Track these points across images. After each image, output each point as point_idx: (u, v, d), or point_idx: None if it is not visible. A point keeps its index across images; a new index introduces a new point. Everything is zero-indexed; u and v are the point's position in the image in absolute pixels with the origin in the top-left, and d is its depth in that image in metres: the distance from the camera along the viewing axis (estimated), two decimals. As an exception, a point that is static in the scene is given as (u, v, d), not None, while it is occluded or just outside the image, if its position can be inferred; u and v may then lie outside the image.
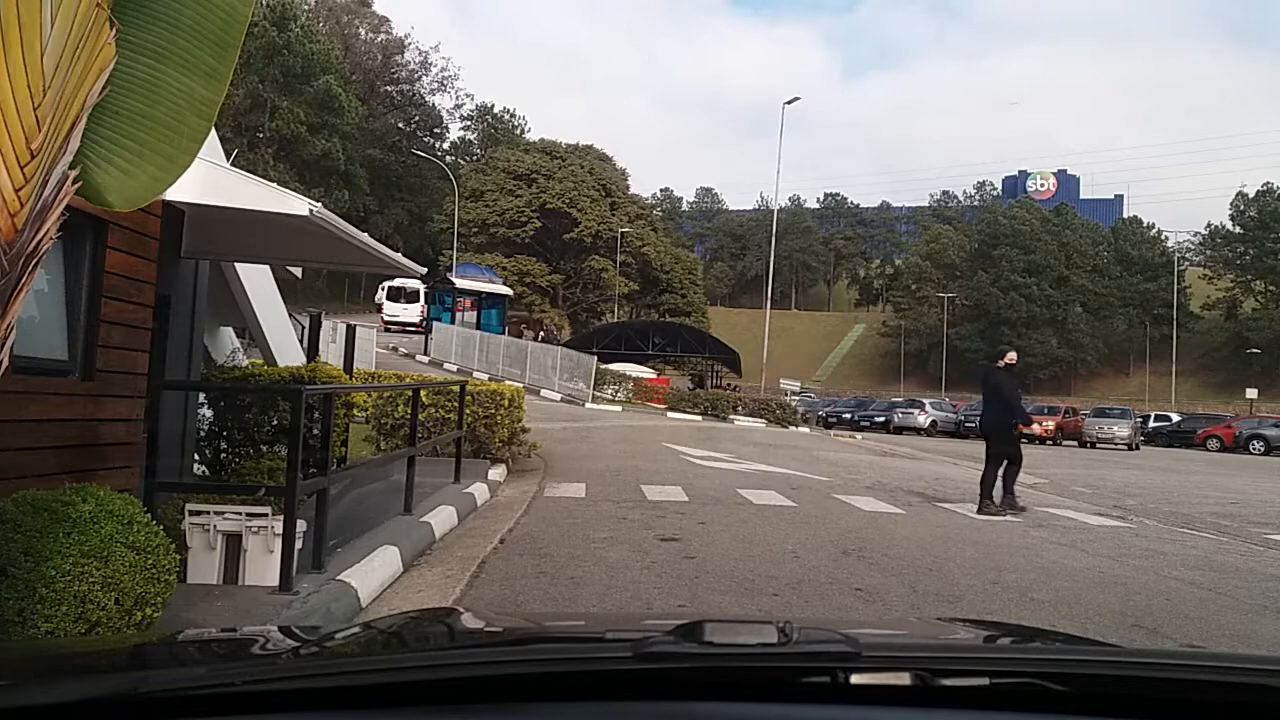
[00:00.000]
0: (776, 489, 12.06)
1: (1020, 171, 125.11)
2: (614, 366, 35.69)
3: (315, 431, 6.21)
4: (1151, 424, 41.87)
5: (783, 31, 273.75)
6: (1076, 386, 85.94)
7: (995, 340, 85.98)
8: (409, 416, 9.45)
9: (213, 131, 5.85)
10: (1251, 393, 58.80)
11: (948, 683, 1.14)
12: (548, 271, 64.65)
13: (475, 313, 45.65)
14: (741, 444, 19.89)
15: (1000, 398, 11.02)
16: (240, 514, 5.24)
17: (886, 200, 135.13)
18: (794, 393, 47.00)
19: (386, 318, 45.29)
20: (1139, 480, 18.16)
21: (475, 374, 29.65)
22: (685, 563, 7.03)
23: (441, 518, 8.09)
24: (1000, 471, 10.84)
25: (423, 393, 10.43)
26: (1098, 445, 33.06)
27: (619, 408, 30.26)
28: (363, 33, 77.63)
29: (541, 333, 46.09)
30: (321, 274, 53.03)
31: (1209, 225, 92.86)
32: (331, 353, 19.04)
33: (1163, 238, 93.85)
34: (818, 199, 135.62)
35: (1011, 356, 11.56)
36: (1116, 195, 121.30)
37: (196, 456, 7.87)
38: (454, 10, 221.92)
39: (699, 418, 29.82)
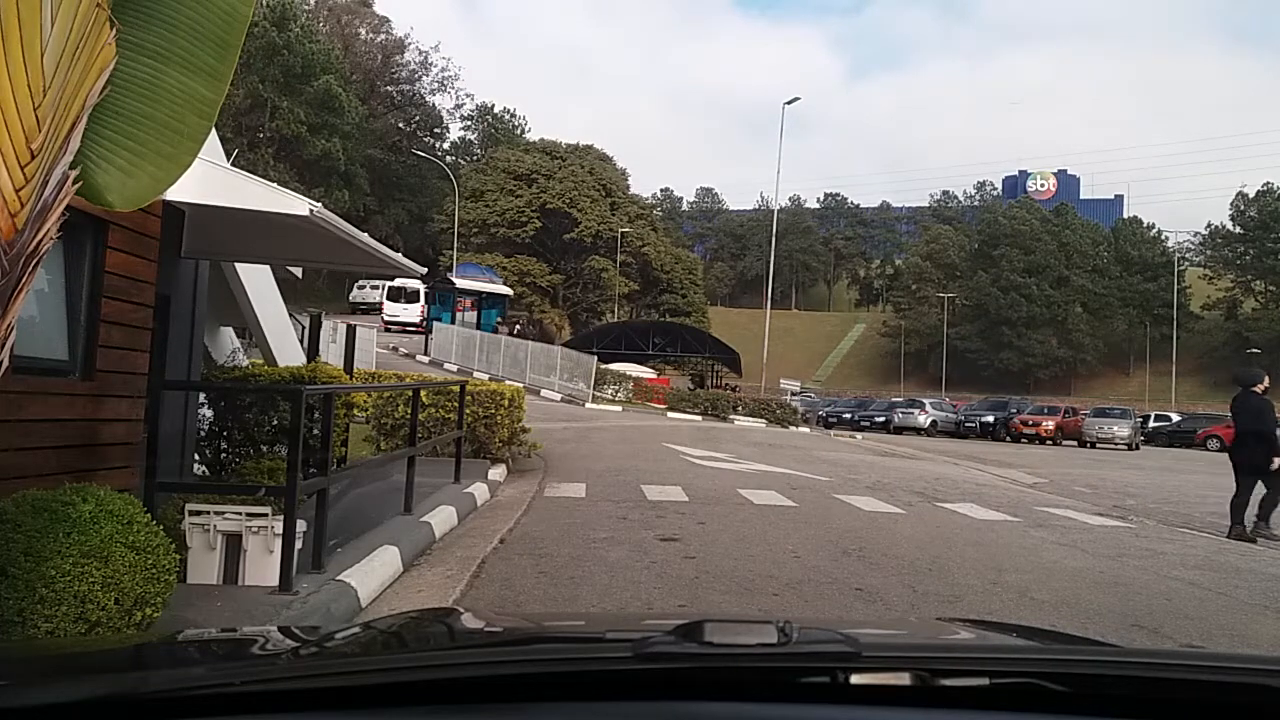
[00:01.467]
0: (776, 489, 12.06)
1: (1020, 171, 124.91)
2: (614, 366, 35.72)
3: (315, 431, 6.21)
4: (1151, 424, 41.85)
5: (784, 33, 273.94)
6: (1076, 386, 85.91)
7: (996, 341, 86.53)
8: (409, 416, 9.45)
9: (213, 131, 5.84)
10: (1252, 393, 58.71)
11: (948, 683, 1.14)
12: (548, 271, 64.66)
13: (475, 313, 45.68)
14: (741, 444, 19.89)
15: (1254, 423, 10.46)
16: (240, 514, 5.24)
17: (887, 200, 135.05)
18: (794, 393, 46.97)
19: (386, 318, 45.30)
20: (1139, 480, 18.16)
21: (475, 374, 29.66)
22: (685, 563, 7.04)
23: (441, 518, 8.09)
24: (1249, 496, 10.31)
25: (423, 393, 10.43)
26: (1098, 445, 33.05)
27: (619, 408, 30.27)
28: (363, 33, 77.57)
29: (517, 326, 45.96)
30: (321, 274, 52.95)
31: (1209, 225, 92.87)
32: (332, 353, 19.05)
33: (1163, 238, 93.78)
34: (818, 199, 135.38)
35: (1266, 382, 10.75)
36: (1116, 195, 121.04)
37: (196, 456, 7.87)
38: (454, 10, 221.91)
39: (699, 418, 29.84)
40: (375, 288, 52.47)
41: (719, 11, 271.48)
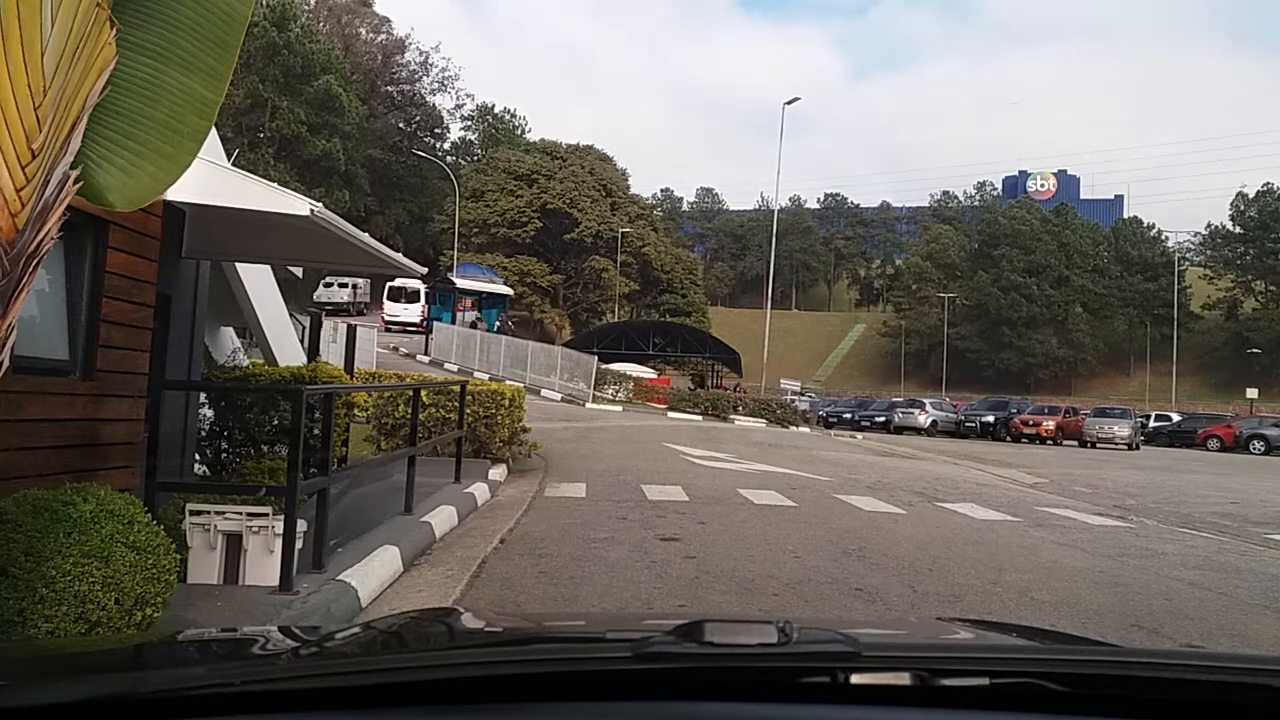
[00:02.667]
0: (777, 489, 12.06)
1: (1020, 171, 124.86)
2: (614, 366, 35.72)
3: (316, 431, 6.21)
4: (1152, 424, 41.81)
5: (786, 33, 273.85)
6: (1077, 386, 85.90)
7: (996, 341, 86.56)
8: (409, 416, 9.45)
9: (213, 131, 5.85)
10: (1252, 392, 58.73)
11: (948, 683, 1.14)
12: (548, 271, 64.66)
13: (476, 313, 45.67)
14: (742, 444, 19.89)
15: None
16: (240, 514, 5.24)
17: (887, 200, 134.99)
18: (794, 393, 46.94)
19: (387, 317, 45.29)
20: (1139, 480, 18.15)
21: (476, 374, 29.67)
22: (685, 563, 7.04)
23: (442, 518, 8.09)
24: None
25: (423, 393, 10.43)
26: (1098, 445, 33.03)
27: (619, 408, 30.27)
28: (363, 33, 77.52)
29: (497, 325, 45.87)
30: (322, 274, 52.82)
31: (1209, 225, 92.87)
32: (332, 353, 19.05)
33: (1163, 238, 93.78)
34: (818, 199, 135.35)
35: None
36: (1116, 195, 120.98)
37: (197, 456, 7.87)
38: (454, 11, 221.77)
39: (699, 418, 29.83)
40: (343, 286, 50.35)
41: (720, 12, 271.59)
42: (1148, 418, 42.98)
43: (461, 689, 1.10)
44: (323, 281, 51.20)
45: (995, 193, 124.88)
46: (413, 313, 44.80)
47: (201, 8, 2.56)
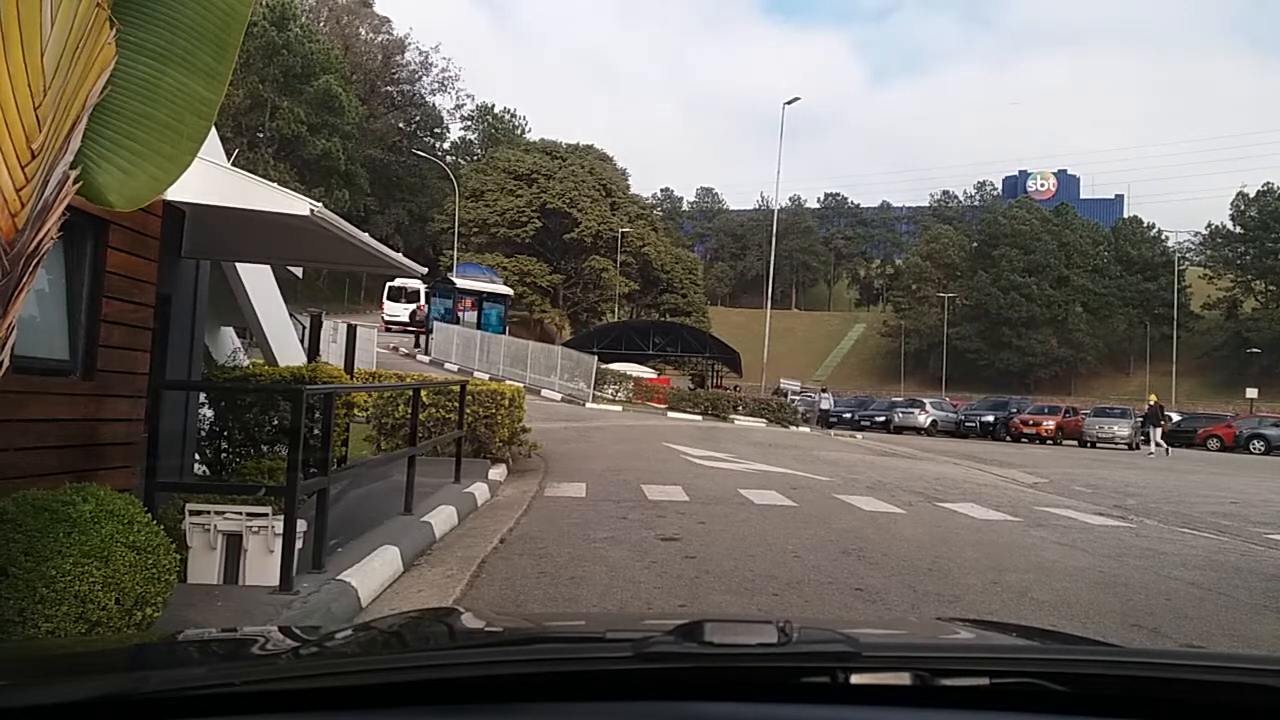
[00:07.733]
0: (777, 489, 12.06)
1: (1020, 171, 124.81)
2: (614, 366, 35.71)
3: (316, 431, 6.21)
4: (1151, 424, 41.78)
5: (787, 36, 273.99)
6: (1076, 386, 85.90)
7: (996, 340, 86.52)
8: (409, 416, 9.45)
9: (213, 131, 5.85)
10: (1251, 392, 58.70)
11: (948, 683, 1.14)
12: (548, 271, 64.68)
13: (476, 313, 45.68)
14: (742, 444, 19.89)
15: None
16: (240, 514, 5.24)
17: (887, 200, 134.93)
18: (794, 393, 46.82)
19: (387, 317, 45.34)
20: (1139, 480, 18.14)
21: (476, 374, 29.67)
22: (685, 562, 7.03)
23: (442, 518, 8.09)
24: None
25: (423, 393, 10.43)
26: (1098, 445, 33.03)
27: (619, 407, 30.27)
28: (363, 33, 77.52)
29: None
30: (322, 274, 52.80)
31: (1209, 225, 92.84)
32: (332, 353, 19.05)
33: (1163, 238, 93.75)
34: (818, 199, 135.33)
35: None
36: (1116, 195, 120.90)
37: (197, 456, 7.87)
38: (454, 10, 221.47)
39: (699, 417, 29.84)
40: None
41: (719, 14, 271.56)
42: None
43: (461, 689, 1.10)
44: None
45: (995, 193, 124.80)
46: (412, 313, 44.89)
47: (201, 8, 2.57)
